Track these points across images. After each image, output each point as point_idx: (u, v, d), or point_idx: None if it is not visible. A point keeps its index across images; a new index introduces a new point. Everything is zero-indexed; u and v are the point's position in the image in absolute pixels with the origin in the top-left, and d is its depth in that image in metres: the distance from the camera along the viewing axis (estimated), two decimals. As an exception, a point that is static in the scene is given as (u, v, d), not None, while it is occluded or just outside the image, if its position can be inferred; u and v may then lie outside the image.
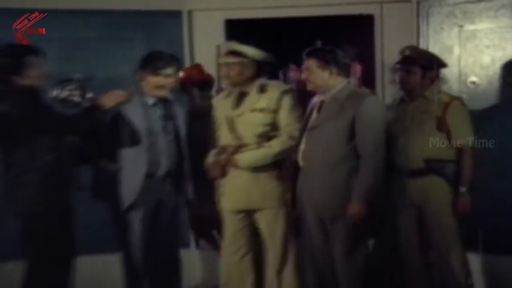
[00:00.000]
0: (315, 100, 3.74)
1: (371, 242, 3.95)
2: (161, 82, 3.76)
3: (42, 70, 3.56)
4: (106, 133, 3.72)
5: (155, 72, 3.74)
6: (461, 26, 4.30)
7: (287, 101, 3.77)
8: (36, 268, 3.57)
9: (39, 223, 3.53)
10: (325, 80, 3.64)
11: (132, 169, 3.74)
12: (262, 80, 3.82)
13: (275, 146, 3.73)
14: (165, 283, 3.95)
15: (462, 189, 3.72)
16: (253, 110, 3.76)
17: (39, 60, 3.55)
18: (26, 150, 3.49)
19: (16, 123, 3.46)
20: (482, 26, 4.26)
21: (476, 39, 4.28)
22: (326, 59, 3.63)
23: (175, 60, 3.84)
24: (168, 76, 3.77)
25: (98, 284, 4.28)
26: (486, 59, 4.26)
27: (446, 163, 3.76)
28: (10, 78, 3.50)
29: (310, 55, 3.67)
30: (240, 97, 3.82)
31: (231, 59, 3.76)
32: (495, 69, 4.22)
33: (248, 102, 3.79)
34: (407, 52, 3.87)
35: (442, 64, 3.96)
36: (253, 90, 3.79)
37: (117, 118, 3.73)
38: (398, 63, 3.89)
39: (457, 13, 4.31)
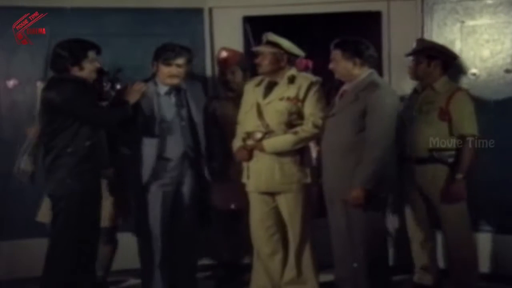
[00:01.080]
0: (342, 89, 3.81)
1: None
2: (173, 71, 3.89)
3: (96, 66, 3.74)
4: (126, 123, 3.85)
5: (167, 62, 3.87)
6: (462, 22, 4.41)
7: (314, 91, 3.84)
8: (63, 246, 3.70)
9: (71, 204, 3.66)
10: (349, 70, 3.71)
11: (146, 152, 3.88)
12: (292, 71, 3.90)
13: (299, 133, 3.82)
14: (182, 261, 4.04)
15: (458, 176, 3.79)
16: (281, 99, 3.84)
17: (96, 56, 3.73)
18: (66, 135, 3.63)
19: (60, 111, 3.62)
20: (482, 21, 4.38)
21: (477, 34, 4.40)
22: (350, 50, 3.70)
23: (186, 51, 3.95)
24: (179, 66, 3.89)
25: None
26: (485, 52, 4.38)
27: (449, 152, 3.84)
28: (70, 68, 3.67)
29: (336, 46, 3.75)
30: (270, 86, 3.91)
31: (266, 49, 3.87)
32: (494, 61, 4.36)
33: (277, 91, 3.88)
34: (415, 44, 4.00)
35: (453, 56, 4.04)
36: (283, 80, 3.88)
37: (134, 108, 3.85)
38: (408, 54, 4.01)
39: (459, 10, 4.43)
